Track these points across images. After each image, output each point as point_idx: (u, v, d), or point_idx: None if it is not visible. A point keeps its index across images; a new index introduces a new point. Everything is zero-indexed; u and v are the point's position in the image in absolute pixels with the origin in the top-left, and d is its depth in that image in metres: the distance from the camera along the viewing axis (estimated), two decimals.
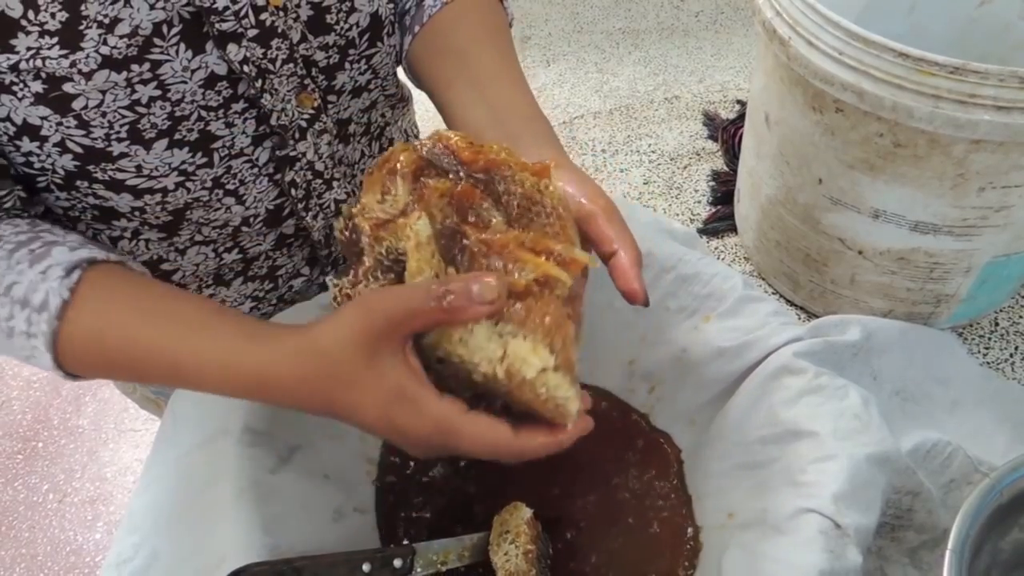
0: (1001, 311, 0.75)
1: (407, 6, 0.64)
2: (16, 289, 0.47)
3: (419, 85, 0.65)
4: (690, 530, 0.58)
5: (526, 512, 0.53)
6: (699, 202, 0.89)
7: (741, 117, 0.92)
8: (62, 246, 0.49)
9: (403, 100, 0.75)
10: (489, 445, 0.42)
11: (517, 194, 0.45)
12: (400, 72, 0.70)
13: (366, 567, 0.47)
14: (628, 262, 0.47)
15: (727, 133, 0.93)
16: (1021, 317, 0.74)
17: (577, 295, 0.45)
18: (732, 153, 0.91)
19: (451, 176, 0.45)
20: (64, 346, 0.48)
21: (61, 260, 0.48)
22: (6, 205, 0.52)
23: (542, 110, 0.58)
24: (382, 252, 0.44)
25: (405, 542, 0.58)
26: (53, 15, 0.46)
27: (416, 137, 0.83)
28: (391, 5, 0.62)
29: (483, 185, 0.45)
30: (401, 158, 0.45)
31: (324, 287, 0.76)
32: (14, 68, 0.47)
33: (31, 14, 0.45)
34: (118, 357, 0.48)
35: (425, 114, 1.26)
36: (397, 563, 0.48)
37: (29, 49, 0.46)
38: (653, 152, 0.96)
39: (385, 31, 0.62)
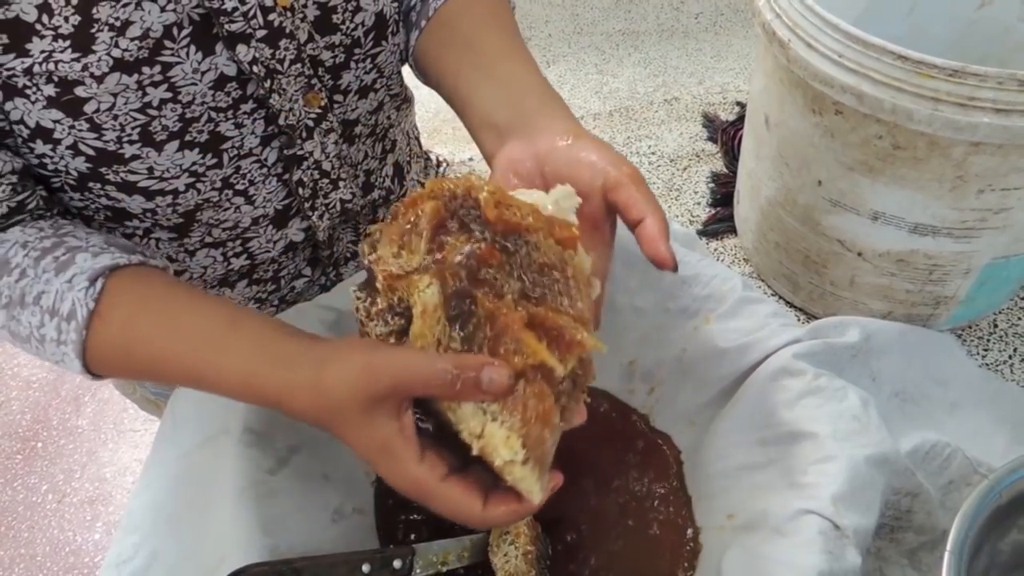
0: (1000, 313, 0.75)
1: (412, 2, 0.64)
2: (45, 299, 0.49)
3: (427, 80, 0.65)
4: (690, 531, 0.58)
5: None
6: (698, 204, 0.89)
7: (741, 119, 0.92)
8: (85, 252, 0.51)
9: (407, 101, 0.75)
10: (460, 515, 0.44)
11: (537, 263, 0.44)
12: (403, 72, 0.70)
13: (366, 568, 0.47)
14: (656, 229, 0.47)
15: (727, 135, 0.93)
16: (1020, 319, 0.74)
17: (587, 360, 0.45)
18: (732, 155, 0.91)
19: (475, 232, 0.44)
20: (92, 353, 0.50)
21: (85, 268, 0.50)
22: (29, 206, 0.53)
23: (551, 85, 0.57)
24: (394, 300, 0.44)
25: (405, 543, 0.58)
26: (66, 19, 0.46)
27: (417, 140, 0.84)
28: (395, 4, 0.62)
29: (503, 248, 0.44)
30: (424, 209, 0.44)
31: (325, 287, 0.76)
32: (28, 71, 0.47)
33: (45, 18, 0.46)
34: (144, 368, 0.50)
35: (424, 114, 1.26)
36: (397, 564, 0.48)
37: (43, 52, 0.47)
38: (653, 154, 0.96)
39: (390, 30, 0.62)
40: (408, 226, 0.44)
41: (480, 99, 0.57)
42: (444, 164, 0.91)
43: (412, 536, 0.58)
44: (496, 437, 0.41)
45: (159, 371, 0.50)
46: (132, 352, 0.50)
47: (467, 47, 0.60)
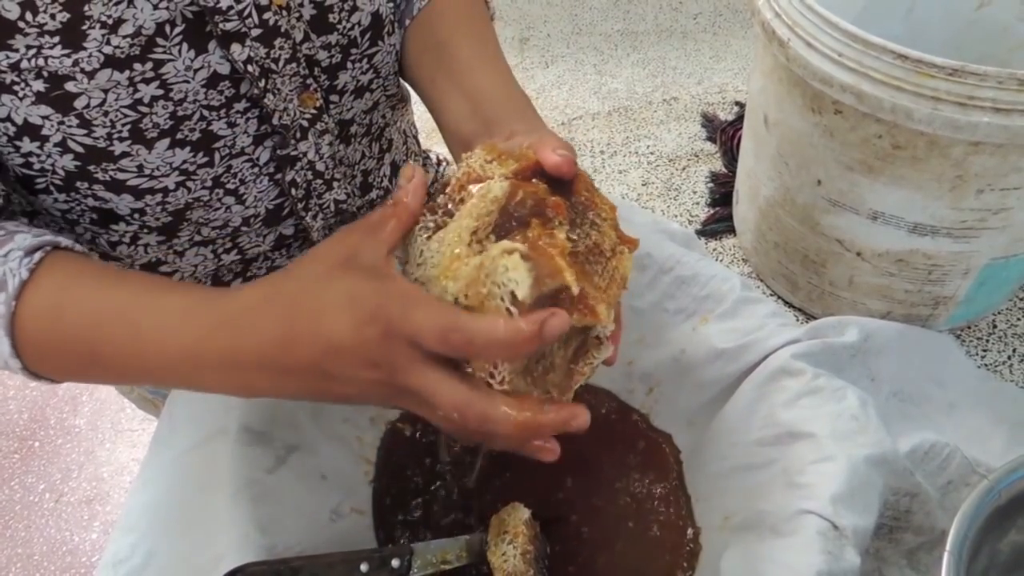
0: (999, 313, 0.75)
1: (399, 2, 0.64)
2: None
3: (408, 80, 0.66)
4: (690, 532, 0.58)
5: (524, 512, 0.53)
6: (697, 203, 0.89)
7: (740, 119, 0.92)
8: (26, 234, 0.48)
9: (403, 100, 0.75)
10: (437, 320, 0.38)
11: (592, 240, 0.45)
12: None
13: (364, 567, 0.47)
14: (546, 144, 0.46)
15: (726, 135, 0.93)
16: (1019, 319, 0.74)
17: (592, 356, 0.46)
18: (731, 155, 0.91)
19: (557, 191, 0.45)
20: (22, 325, 0.46)
21: (23, 244, 0.47)
22: None
23: (522, 91, 0.58)
24: (454, 199, 0.44)
25: (403, 542, 0.58)
26: (53, 16, 0.45)
27: (415, 139, 0.83)
28: (391, 4, 0.62)
29: (571, 215, 0.45)
30: (528, 153, 0.46)
31: None
32: (15, 67, 0.47)
33: (29, 15, 0.45)
34: (76, 328, 0.46)
35: (423, 115, 1.26)
36: (395, 563, 0.48)
37: (29, 48, 0.46)
38: (652, 154, 0.96)
39: (386, 30, 0.62)
40: (507, 151, 0.47)
41: (449, 111, 0.58)
42: (444, 163, 0.90)
43: (408, 535, 0.58)
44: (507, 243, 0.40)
45: (92, 333, 0.45)
46: (64, 312, 0.46)
47: (441, 53, 0.61)
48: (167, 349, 0.44)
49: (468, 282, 0.40)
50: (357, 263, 0.42)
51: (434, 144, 1.20)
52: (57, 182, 0.54)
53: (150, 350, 0.44)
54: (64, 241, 0.49)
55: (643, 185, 0.92)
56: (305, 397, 0.44)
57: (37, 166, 0.52)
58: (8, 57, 0.46)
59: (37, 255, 0.46)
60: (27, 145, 0.51)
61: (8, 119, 0.49)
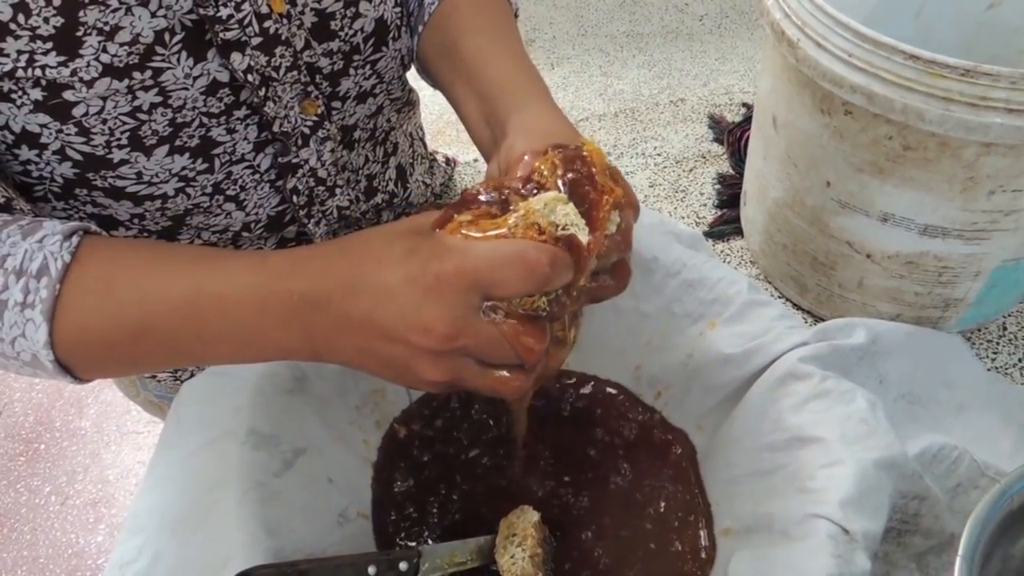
0: (1010, 316, 0.74)
1: (411, 7, 0.64)
2: (10, 261, 0.44)
3: (433, 86, 0.65)
4: (702, 535, 0.57)
5: (533, 515, 0.53)
6: (704, 205, 0.88)
7: (747, 120, 0.92)
8: (52, 221, 0.46)
9: (409, 104, 0.74)
10: (511, 244, 0.40)
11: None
12: (408, 76, 0.69)
13: (371, 570, 0.47)
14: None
15: (733, 136, 0.92)
16: None
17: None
18: (738, 156, 0.91)
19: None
20: (64, 310, 0.44)
21: (56, 229, 0.45)
22: None
23: (530, 75, 0.57)
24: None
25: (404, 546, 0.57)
26: (47, 20, 0.45)
27: (422, 141, 0.83)
28: (398, 9, 0.61)
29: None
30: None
31: None
32: (11, 75, 0.46)
33: (21, 18, 0.44)
34: (127, 296, 0.44)
35: (428, 116, 1.26)
36: (403, 566, 0.48)
37: (21, 53, 0.45)
38: (658, 155, 0.96)
39: (391, 35, 0.61)
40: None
41: (467, 115, 0.58)
42: (453, 163, 0.90)
43: (409, 539, 0.58)
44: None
45: (144, 296, 0.44)
46: (114, 284, 0.44)
47: (455, 56, 0.60)
48: (230, 296, 0.43)
49: None
50: (419, 228, 0.43)
51: (439, 146, 1.20)
52: (56, 190, 0.54)
53: (210, 304, 0.43)
54: (93, 227, 0.47)
55: (650, 187, 0.91)
56: (354, 356, 0.43)
57: (35, 174, 0.52)
58: (1, 63, 0.45)
59: (75, 239, 0.45)
60: (25, 153, 0.50)
61: (6, 127, 0.49)
